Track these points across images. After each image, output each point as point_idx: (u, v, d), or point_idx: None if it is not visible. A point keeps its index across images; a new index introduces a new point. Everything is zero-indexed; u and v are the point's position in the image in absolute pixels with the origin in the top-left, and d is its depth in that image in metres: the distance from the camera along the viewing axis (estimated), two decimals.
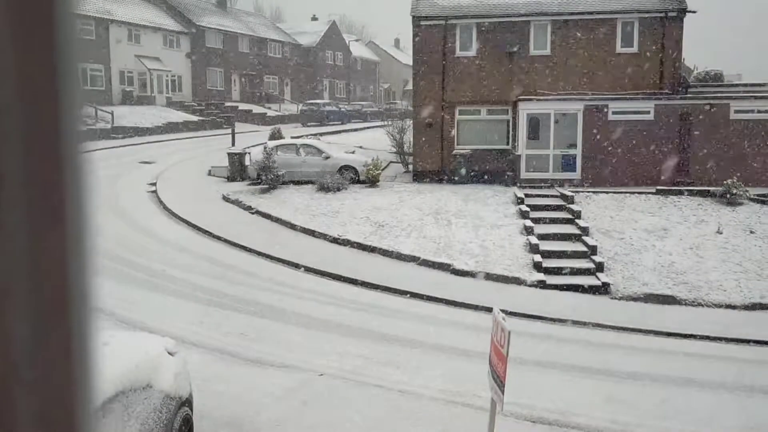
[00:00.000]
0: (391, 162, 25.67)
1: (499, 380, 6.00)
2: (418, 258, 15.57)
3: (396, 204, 18.80)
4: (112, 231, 17.08)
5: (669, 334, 12.29)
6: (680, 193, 18.89)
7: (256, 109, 49.22)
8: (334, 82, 65.44)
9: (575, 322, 12.64)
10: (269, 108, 51.50)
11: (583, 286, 14.59)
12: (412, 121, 23.16)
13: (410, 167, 23.44)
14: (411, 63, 23.63)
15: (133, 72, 43.69)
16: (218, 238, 16.89)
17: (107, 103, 40.29)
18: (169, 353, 6.65)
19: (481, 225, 17.17)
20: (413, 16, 21.77)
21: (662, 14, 20.63)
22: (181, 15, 48.73)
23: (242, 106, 48.59)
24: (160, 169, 25.78)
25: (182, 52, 47.67)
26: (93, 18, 40.77)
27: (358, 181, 21.47)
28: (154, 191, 21.84)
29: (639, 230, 16.75)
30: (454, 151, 21.70)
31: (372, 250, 16.19)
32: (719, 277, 14.76)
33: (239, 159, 23.47)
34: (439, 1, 22.25)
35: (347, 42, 67.86)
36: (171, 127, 39.26)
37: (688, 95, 20.45)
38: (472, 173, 21.33)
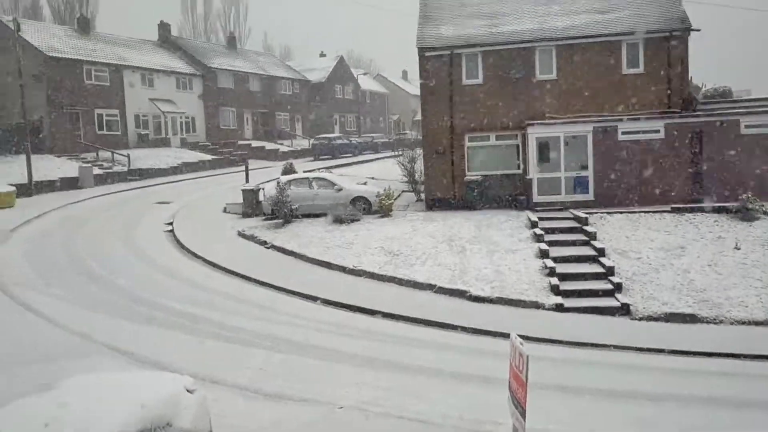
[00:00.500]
0: (403, 191, 25.80)
1: (519, 406, 5.97)
2: (434, 286, 15.55)
3: (409, 233, 18.85)
4: (131, 271, 17.28)
5: (692, 354, 12.12)
6: (695, 210, 18.79)
7: (269, 145, 49.79)
8: (345, 116, 66.12)
9: (595, 345, 12.51)
10: (281, 144, 52.08)
11: (602, 308, 14.47)
12: (422, 150, 23.31)
13: (422, 196, 23.54)
14: (419, 93, 23.88)
15: (148, 115, 44.47)
16: (235, 273, 17.00)
17: (123, 146, 41.00)
18: (188, 391, 6.70)
19: (495, 250, 17.15)
20: (419, 48, 22.07)
21: (666, 34, 20.74)
22: (193, 58, 49.73)
23: (255, 143, 49.21)
24: (176, 208, 26.09)
25: (195, 93, 48.52)
26: (107, 65, 41.68)
27: (371, 212, 21.59)
28: (171, 230, 22.09)
29: (656, 249, 16.64)
30: (465, 178, 21.80)
31: (388, 279, 16.21)
32: (740, 293, 14.59)
33: (253, 195, 23.72)
34: (443, 32, 22.56)
35: (356, 76, 68.75)
36: (186, 167, 39.80)
37: (698, 113, 20.43)
38: (484, 199, 21.38)
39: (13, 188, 28.62)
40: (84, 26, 45.79)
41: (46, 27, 44.61)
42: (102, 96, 41.28)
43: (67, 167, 34.82)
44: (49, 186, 32.08)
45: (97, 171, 35.03)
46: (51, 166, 34.35)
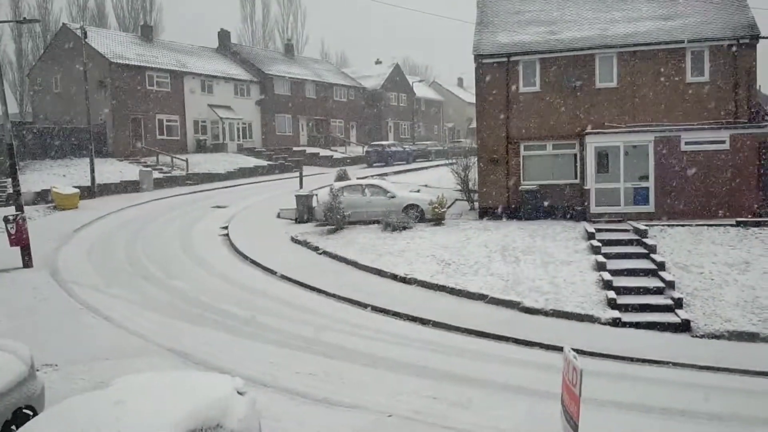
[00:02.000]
0: (457, 200, 25.61)
1: (572, 421, 5.81)
2: (486, 296, 15.32)
3: (462, 242, 18.66)
4: (187, 274, 17.65)
5: (755, 373, 11.58)
6: (761, 224, 18.00)
7: (323, 152, 50.29)
8: (399, 123, 66.25)
9: (653, 362, 12.08)
10: (335, 150, 52.54)
11: (661, 324, 13.97)
12: (476, 159, 23.09)
13: (476, 204, 23.30)
14: (474, 101, 23.69)
15: (206, 121, 45.55)
16: (287, 278, 17.16)
17: (182, 151, 42.10)
18: (238, 393, 6.74)
19: (550, 261, 16.80)
20: (475, 55, 21.91)
21: (733, 42, 20.02)
22: (251, 65, 50.73)
23: (309, 150, 49.78)
24: (232, 213, 26.57)
25: (252, 99, 49.46)
26: (168, 71, 42.92)
27: (424, 220, 21.48)
28: (227, 234, 22.48)
29: (719, 264, 15.99)
30: (521, 187, 21.47)
31: (439, 288, 16.06)
32: None
33: (306, 201, 23.94)
34: (500, 39, 22.34)
35: (411, 83, 68.83)
36: (242, 173, 40.55)
37: (765, 123, 19.61)
38: (539, 209, 21.01)
39: (77, 190, 29.69)
40: (147, 34, 47.30)
41: (111, 34, 46.25)
42: (163, 102, 42.51)
43: (128, 171, 35.93)
44: (110, 188, 33.16)
45: (156, 175, 36.03)
46: (113, 170, 35.53)
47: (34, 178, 31.80)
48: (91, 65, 36.49)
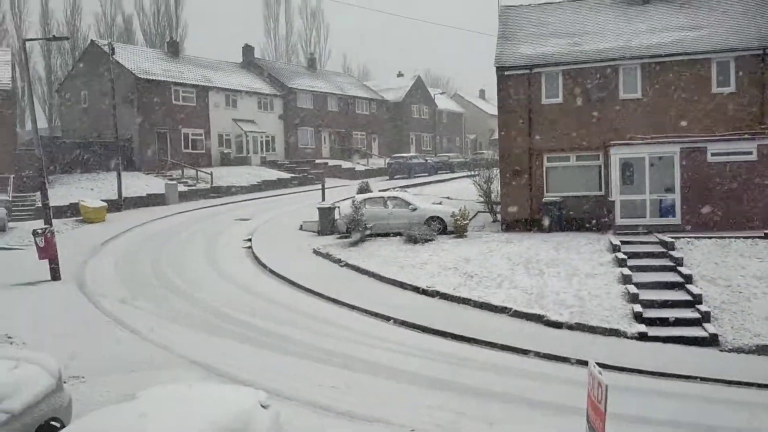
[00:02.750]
0: (479, 212, 25.52)
1: None
2: (510, 309, 15.21)
3: (485, 254, 18.57)
4: (211, 286, 17.80)
5: None
6: None
7: (345, 164, 50.52)
8: (421, 135, 66.33)
9: (680, 376, 11.87)
10: (357, 163, 52.74)
11: (688, 338, 13.74)
12: (499, 170, 23.00)
13: (498, 216, 23.19)
14: (496, 113, 23.64)
15: (230, 134, 46.06)
16: (309, 291, 17.21)
17: (207, 164, 42.58)
18: (262, 406, 6.78)
19: (575, 274, 16.64)
20: (497, 67, 21.89)
21: (759, 51, 19.77)
22: (274, 79, 51.25)
23: (332, 162, 50.05)
24: (255, 225, 26.76)
25: (275, 113, 49.92)
26: (194, 86, 43.52)
27: (446, 232, 21.43)
28: (250, 247, 22.64)
29: (747, 277, 15.70)
30: (544, 199, 21.34)
31: (462, 301, 15.98)
32: None
33: (329, 213, 24.03)
34: (523, 51, 22.31)
35: (432, 95, 68.93)
36: (265, 185, 40.88)
37: None
38: (563, 221, 20.85)
39: (104, 204, 30.16)
40: (173, 49, 48.05)
41: (138, 50, 47.09)
42: (188, 116, 43.08)
43: (154, 184, 36.42)
44: (137, 201, 33.62)
45: (181, 188, 36.47)
46: (139, 183, 36.04)
47: (62, 191, 32.37)
48: (119, 81, 37.14)
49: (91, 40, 46.37)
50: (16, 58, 39.86)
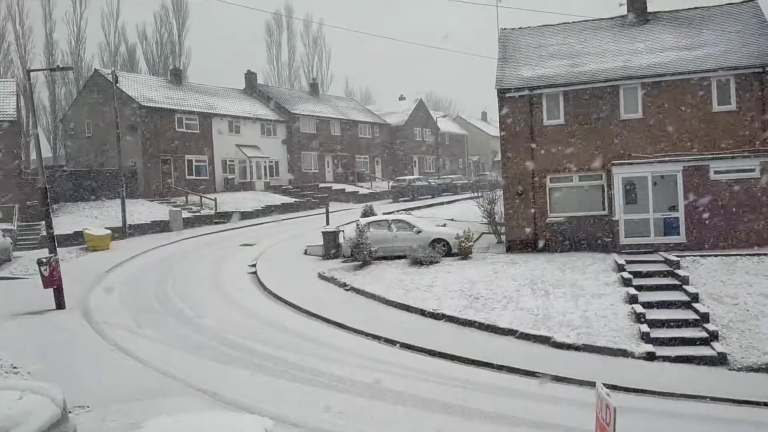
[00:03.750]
0: (483, 233, 25.51)
1: None
2: (516, 331, 15.13)
3: (490, 276, 18.52)
4: (216, 312, 17.76)
5: None
6: None
7: (349, 187, 50.66)
8: (423, 158, 66.56)
9: (689, 396, 11.77)
10: (361, 186, 52.90)
11: (696, 357, 13.64)
12: (502, 192, 23.03)
13: (503, 238, 23.18)
14: (498, 134, 23.75)
15: (234, 160, 46.30)
16: (315, 315, 17.15)
17: (211, 190, 42.76)
18: None
19: (580, 294, 16.57)
20: (498, 89, 22.04)
21: (759, 69, 19.87)
22: (277, 104, 51.66)
23: (335, 186, 50.20)
24: (260, 250, 26.76)
25: (278, 138, 50.22)
26: (197, 113, 43.87)
27: (451, 254, 21.41)
28: (254, 272, 22.62)
29: (755, 295, 15.62)
30: (548, 220, 21.34)
31: (468, 323, 15.91)
32: None
33: (333, 237, 24.04)
34: (523, 73, 22.47)
35: (435, 118, 69.31)
36: (269, 210, 40.97)
37: None
38: (567, 241, 20.82)
39: (109, 231, 30.24)
40: (176, 77, 48.52)
41: (141, 78, 47.53)
42: (192, 143, 43.36)
43: (158, 211, 36.53)
44: (141, 229, 33.70)
45: (186, 214, 36.56)
46: (143, 210, 36.16)
47: (67, 220, 32.49)
48: (122, 109, 37.48)
49: (95, 69, 46.85)
50: (20, 89, 40.25)
